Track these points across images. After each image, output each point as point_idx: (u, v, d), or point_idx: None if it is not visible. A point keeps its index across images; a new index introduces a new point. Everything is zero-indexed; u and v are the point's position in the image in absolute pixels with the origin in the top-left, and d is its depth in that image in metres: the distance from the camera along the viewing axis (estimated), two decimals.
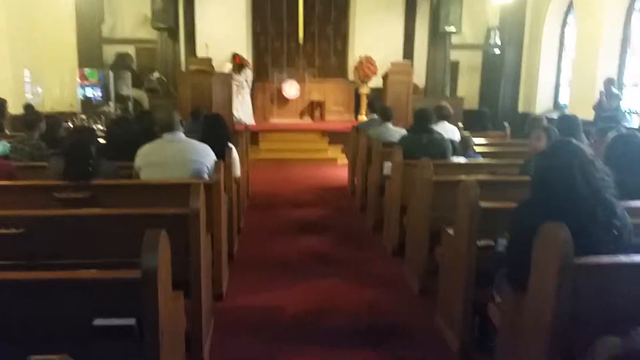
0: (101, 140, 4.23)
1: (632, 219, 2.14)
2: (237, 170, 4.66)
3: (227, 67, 10.93)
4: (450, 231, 3.02)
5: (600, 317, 1.88)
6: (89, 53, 10.60)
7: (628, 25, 8.36)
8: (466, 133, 5.19)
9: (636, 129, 5.46)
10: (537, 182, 2.15)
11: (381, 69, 11.05)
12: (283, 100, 11.42)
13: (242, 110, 10.99)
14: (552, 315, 1.85)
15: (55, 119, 5.12)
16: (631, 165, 2.62)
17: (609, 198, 2.04)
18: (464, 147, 4.67)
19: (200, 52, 11.18)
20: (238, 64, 11.16)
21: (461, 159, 4.50)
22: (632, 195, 2.53)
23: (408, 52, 12.35)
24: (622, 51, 8.49)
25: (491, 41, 12.12)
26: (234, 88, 10.65)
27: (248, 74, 11.27)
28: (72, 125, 6.55)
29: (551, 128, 3.66)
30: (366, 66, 11.92)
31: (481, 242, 2.75)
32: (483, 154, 4.96)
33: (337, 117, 11.92)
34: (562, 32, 10.50)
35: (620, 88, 8.17)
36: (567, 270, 1.80)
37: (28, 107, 7.20)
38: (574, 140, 2.17)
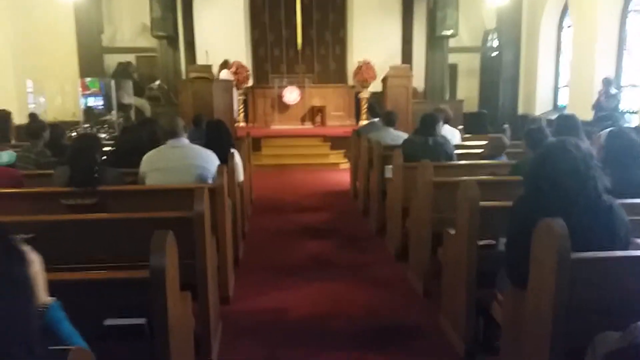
0: (106, 148, 4.30)
1: (629, 215, 2.18)
2: (241, 175, 4.71)
3: (224, 74, 10.96)
4: (452, 232, 3.06)
5: (600, 311, 1.91)
6: (90, 62, 10.70)
7: (623, 26, 8.42)
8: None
9: (633, 127, 5.50)
10: (530, 180, 2.19)
11: (380, 73, 11.13)
12: (284, 107, 11.49)
13: None
14: (552, 310, 1.88)
15: (58, 128, 5.19)
16: (626, 161, 2.66)
17: (605, 195, 2.08)
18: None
19: (201, 60, 11.28)
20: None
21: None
22: (628, 192, 2.57)
23: (406, 56, 12.46)
24: (619, 52, 8.55)
25: (489, 44, 12.21)
26: None
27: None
28: (75, 134, 6.63)
29: (534, 131, 3.68)
30: (365, 71, 12.03)
31: (482, 242, 2.80)
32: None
33: (338, 122, 12.00)
34: (559, 34, 10.57)
35: (618, 88, 8.22)
36: (565, 265, 1.83)
37: (32, 116, 7.28)
38: (569, 139, 2.20)
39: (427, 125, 4.73)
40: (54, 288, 1.76)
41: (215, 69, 10.33)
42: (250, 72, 12.27)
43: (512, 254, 2.25)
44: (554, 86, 10.79)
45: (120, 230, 2.60)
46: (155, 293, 1.76)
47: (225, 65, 11.03)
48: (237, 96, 11.25)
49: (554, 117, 7.97)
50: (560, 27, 10.48)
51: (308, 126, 11.73)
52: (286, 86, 11.65)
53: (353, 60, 12.52)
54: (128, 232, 2.55)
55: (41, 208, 3.03)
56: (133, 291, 1.81)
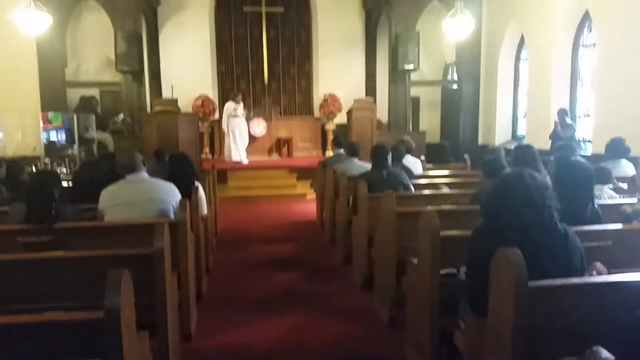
0: (65, 184, 4.20)
1: (583, 242, 2.24)
2: (204, 209, 4.66)
3: (230, 106, 10.88)
4: (415, 261, 3.09)
5: (558, 337, 1.95)
6: (52, 96, 10.49)
7: (576, 59, 8.85)
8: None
9: (586, 156, 5.73)
10: (487, 210, 2.24)
11: (345, 106, 11.33)
12: (251, 138, 11.50)
13: (242, 146, 10.93)
14: (512, 338, 1.90)
15: (16, 164, 5.06)
16: (577, 191, 2.75)
17: (559, 224, 2.14)
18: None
19: (166, 93, 11.24)
20: (236, 95, 11.11)
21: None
22: (578, 220, 2.66)
23: (370, 88, 12.75)
24: (573, 83, 8.96)
25: (449, 77, 12.61)
26: (232, 123, 10.67)
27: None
28: (34, 169, 6.46)
29: (491, 162, 3.78)
30: (331, 103, 12.23)
31: (444, 271, 2.83)
32: (445, 185, 5.09)
33: (305, 153, 12.07)
34: (517, 65, 10.99)
35: (573, 118, 8.57)
36: (522, 293, 1.86)
37: None
38: (525, 170, 2.27)
39: (377, 157, 4.82)
40: (4, 330, 1.69)
41: (181, 103, 10.29)
42: (217, 105, 12.29)
43: (471, 284, 2.28)
44: (513, 116, 11.16)
45: (77, 268, 2.52)
46: (110, 335, 1.70)
47: (234, 98, 10.96)
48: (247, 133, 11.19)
49: (512, 146, 8.26)
50: (517, 59, 10.93)
51: (275, 157, 11.75)
52: (253, 118, 11.70)
53: (319, 93, 12.72)
54: (85, 270, 2.48)
55: None
56: (88, 333, 1.74)
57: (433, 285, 2.75)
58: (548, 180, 2.49)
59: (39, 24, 8.01)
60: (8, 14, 7.89)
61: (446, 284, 2.76)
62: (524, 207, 2.09)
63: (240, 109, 10.84)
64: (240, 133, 10.88)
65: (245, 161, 10.80)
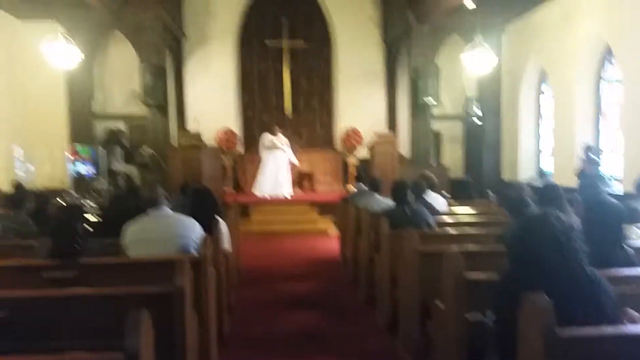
0: (92, 218, 4.25)
1: (613, 287, 2.16)
2: (226, 244, 4.65)
3: (266, 138, 10.96)
4: (440, 304, 3.01)
5: None
6: (80, 129, 10.77)
7: (598, 93, 8.75)
8: None
9: (615, 194, 5.58)
10: (512, 253, 2.19)
11: (367, 139, 11.35)
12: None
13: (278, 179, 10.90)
14: None
15: (44, 197, 5.15)
16: (607, 231, 2.67)
17: (587, 267, 2.07)
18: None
19: (190, 126, 11.47)
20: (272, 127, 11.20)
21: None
22: (608, 263, 2.56)
23: (392, 122, 12.79)
24: (596, 118, 8.83)
25: (470, 111, 12.58)
26: (267, 156, 10.69)
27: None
28: (62, 202, 6.58)
29: (514, 200, 3.68)
30: (352, 137, 12.29)
31: (470, 316, 2.74)
32: (469, 224, 5.01)
33: (326, 188, 12.07)
34: (538, 100, 10.91)
35: (598, 154, 8.41)
36: (552, 341, 1.79)
37: (16, 185, 7.23)
38: (550, 211, 2.22)
39: (398, 194, 4.76)
40: None
41: (205, 136, 10.45)
42: (240, 138, 12.46)
43: (499, 330, 2.20)
44: (536, 151, 11.02)
45: (98, 305, 2.52)
46: None
47: (270, 129, 11.10)
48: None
49: (537, 182, 8.13)
50: (539, 93, 10.86)
51: (296, 192, 11.78)
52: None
53: (340, 126, 12.81)
54: (106, 307, 2.48)
55: (20, 281, 2.95)
56: None
57: (459, 332, 2.66)
58: (575, 220, 2.42)
59: (68, 57, 8.26)
60: (39, 47, 8.18)
61: (473, 330, 2.67)
62: (549, 250, 2.04)
63: (276, 140, 10.88)
64: (278, 166, 10.88)
65: (285, 195, 10.75)
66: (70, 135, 10.67)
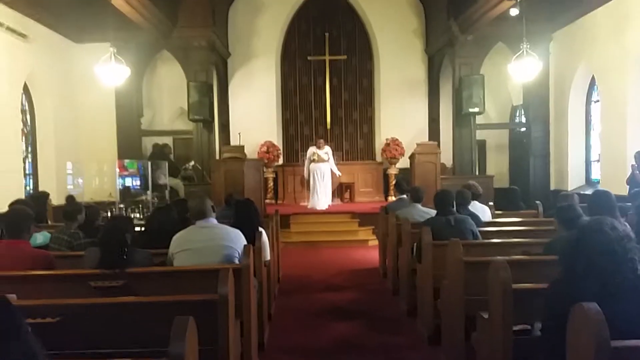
0: (138, 229, 4.37)
1: None
2: (267, 254, 4.69)
3: (311, 151, 11.00)
4: (485, 315, 2.92)
5: None
6: (129, 144, 11.16)
7: None
8: None
9: None
10: (564, 262, 2.12)
11: (408, 150, 11.25)
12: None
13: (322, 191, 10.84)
14: None
15: (93, 209, 5.34)
16: None
17: None
18: None
19: (234, 140, 11.70)
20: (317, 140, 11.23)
21: None
22: None
23: (434, 132, 12.64)
24: None
25: (517, 120, 12.26)
26: (313, 169, 10.74)
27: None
28: (110, 214, 6.81)
29: (565, 209, 3.55)
30: (393, 147, 12.22)
31: (517, 327, 2.66)
32: (515, 233, 4.87)
33: (367, 198, 12.01)
34: (588, 108, 10.55)
35: None
36: (603, 352, 1.71)
37: (69, 199, 7.55)
38: (604, 219, 2.14)
39: (442, 203, 4.67)
40: None
41: (248, 149, 10.62)
42: (281, 150, 12.61)
43: (549, 342, 2.12)
44: (586, 160, 10.63)
45: (144, 313, 2.58)
46: None
47: (316, 142, 11.16)
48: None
49: (587, 192, 7.82)
50: (589, 101, 10.49)
51: (337, 202, 11.77)
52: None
53: (381, 138, 12.77)
54: (151, 315, 2.53)
55: (69, 290, 3.06)
56: None
57: (505, 343, 2.58)
58: (629, 229, 2.32)
59: (118, 76, 8.60)
60: (92, 68, 8.56)
61: (520, 341, 2.58)
62: (603, 259, 1.98)
63: (323, 153, 10.93)
64: (323, 178, 10.87)
65: (323, 207, 10.74)
66: (119, 151, 11.07)
